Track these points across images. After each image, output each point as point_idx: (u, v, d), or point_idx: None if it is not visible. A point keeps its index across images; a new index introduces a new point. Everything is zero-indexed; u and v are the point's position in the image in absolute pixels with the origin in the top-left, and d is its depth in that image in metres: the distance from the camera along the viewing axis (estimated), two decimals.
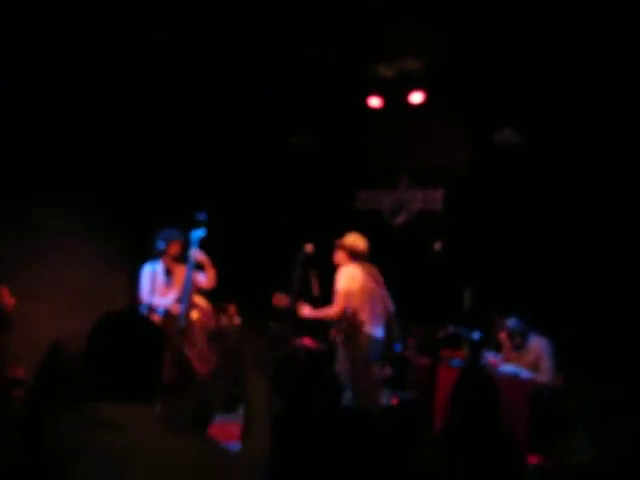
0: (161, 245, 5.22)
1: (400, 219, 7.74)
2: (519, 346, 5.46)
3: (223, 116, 7.09)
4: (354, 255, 5.20)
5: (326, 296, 5.39)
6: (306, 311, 5.25)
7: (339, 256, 5.26)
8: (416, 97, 6.88)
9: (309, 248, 5.39)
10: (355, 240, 5.25)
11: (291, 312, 5.39)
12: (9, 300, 4.51)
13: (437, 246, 5.84)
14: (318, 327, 6.58)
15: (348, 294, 5.00)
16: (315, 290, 5.43)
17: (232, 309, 6.72)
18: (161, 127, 6.66)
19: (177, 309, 5.12)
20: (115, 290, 5.60)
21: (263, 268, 7.02)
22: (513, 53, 5.96)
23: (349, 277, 5.08)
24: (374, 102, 7.07)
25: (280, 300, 5.31)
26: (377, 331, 5.13)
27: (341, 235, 5.32)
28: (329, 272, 5.47)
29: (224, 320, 6.45)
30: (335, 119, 7.51)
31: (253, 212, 7.58)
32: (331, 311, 5.06)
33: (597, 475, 4.28)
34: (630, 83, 5.88)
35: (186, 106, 6.76)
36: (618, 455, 4.24)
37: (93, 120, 6.11)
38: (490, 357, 5.48)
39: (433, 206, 7.52)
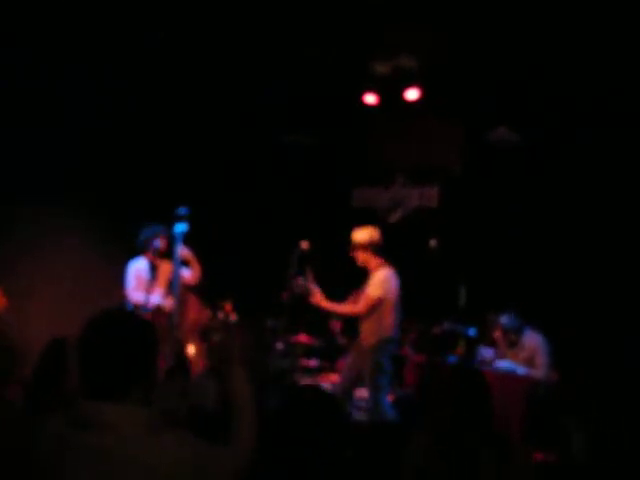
0: (145, 241, 5.25)
1: (396, 216, 7.76)
2: (514, 343, 5.48)
3: (221, 114, 7.12)
4: (377, 249, 5.08)
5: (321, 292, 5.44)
6: (322, 301, 5.07)
7: (363, 256, 5.09)
8: (412, 94, 6.88)
9: (305, 245, 5.38)
10: (371, 234, 5.09)
11: (289, 306, 5.40)
12: (1, 300, 4.50)
13: (432, 243, 5.86)
14: (315, 324, 6.64)
15: (381, 301, 4.94)
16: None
17: (228, 306, 6.77)
18: (161, 126, 6.68)
19: (169, 305, 5.11)
20: (113, 289, 5.60)
21: (259, 265, 7.06)
22: (509, 51, 5.97)
23: (386, 285, 4.97)
24: (370, 99, 7.08)
25: (298, 287, 5.17)
26: (396, 333, 5.09)
27: (339, 232, 5.29)
28: (324, 269, 5.52)
29: (220, 317, 6.50)
30: (331, 117, 7.51)
31: (250, 210, 7.61)
32: (355, 309, 5.03)
33: (593, 472, 4.32)
34: (629, 83, 5.91)
35: (185, 105, 6.79)
36: (614, 453, 4.28)
37: (93, 120, 6.14)
38: (485, 353, 5.49)
39: (429, 203, 7.53)
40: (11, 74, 5.41)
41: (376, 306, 4.91)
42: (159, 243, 5.24)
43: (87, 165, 6.12)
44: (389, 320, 4.96)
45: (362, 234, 5.09)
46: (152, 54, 6.10)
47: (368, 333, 4.99)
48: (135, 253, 5.36)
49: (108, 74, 6.06)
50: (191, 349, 5.16)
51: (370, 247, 5.06)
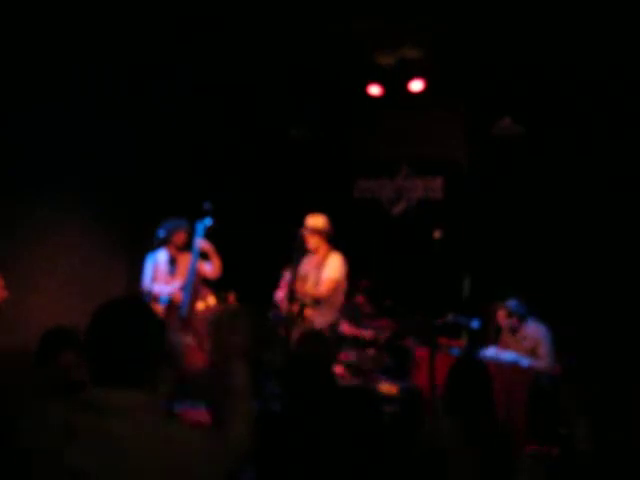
0: (164, 234, 5.26)
1: (399, 208, 7.74)
2: (516, 328, 5.45)
3: (223, 110, 7.11)
4: (329, 236, 5.35)
5: None
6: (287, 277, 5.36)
7: (316, 241, 5.33)
8: (416, 85, 6.89)
9: None
10: (325, 221, 5.37)
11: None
12: (1, 292, 4.52)
13: (436, 234, 5.82)
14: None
15: (338, 285, 5.22)
16: None
17: (231, 298, 6.74)
18: (160, 125, 6.66)
19: (179, 297, 5.16)
20: (113, 281, 5.61)
21: (262, 255, 7.05)
22: (514, 43, 5.95)
23: (343, 268, 5.26)
24: (374, 90, 7.09)
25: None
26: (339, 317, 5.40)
27: (342, 223, 5.39)
28: None
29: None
30: (335, 108, 7.52)
31: (252, 200, 7.60)
32: (317, 292, 5.20)
33: (595, 464, 4.28)
34: (631, 76, 5.86)
35: (185, 102, 6.78)
36: (616, 445, 4.24)
37: (93, 119, 6.13)
38: (488, 353, 5.43)
39: (433, 194, 7.50)
40: (11, 74, 5.40)
41: (335, 289, 5.18)
42: (163, 234, 5.26)
43: (87, 164, 6.10)
44: (339, 304, 5.27)
45: (318, 220, 5.35)
46: (152, 52, 6.10)
47: (320, 316, 5.18)
48: (155, 246, 5.38)
49: (109, 73, 6.07)
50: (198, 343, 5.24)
51: (324, 233, 5.32)
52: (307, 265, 5.40)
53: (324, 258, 5.31)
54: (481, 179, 7.07)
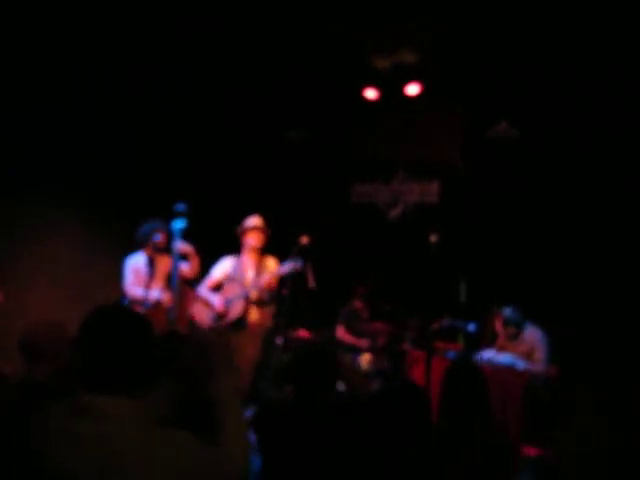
0: (143, 236, 5.26)
1: (396, 212, 7.75)
2: (513, 336, 5.48)
3: (220, 110, 7.11)
4: None
5: (321, 288, 5.47)
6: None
7: (263, 239, 5.51)
8: (412, 89, 6.91)
9: (304, 240, 5.43)
10: None
11: (289, 301, 5.50)
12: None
13: (433, 238, 5.85)
14: (315, 319, 6.65)
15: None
16: (310, 282, 5.44)
17: None
18: (159, 123, 6.65)
19: (168, 300, 5.12)
20: (112, 281, 5.58)
21: None
22: (513, 44, 5.97)
23: None
24: (370, 94, 7.11)
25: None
26: None
27: (339, 227, 5.40)
28: (325, 264, 5.51)
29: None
30: (331, 112, 7.52)
31: (249, 204, 7.58)
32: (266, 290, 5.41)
33: (590, 468, 4.31)
34: (628, 76, 5.89)
35: (183, 101, 6.77)
36: (611, 448, 4.27)
37: (93, 117, 6.12)
38: (485, 354, 5.47)
39: (429, 199, 7.50)
40: (11, 74, 5.38)
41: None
42: (158, 238, 5.24)
43: (87, 164, 6.09)
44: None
45: (261, 219, 5.56)
46: (152, 52, 6.09)
47: (267, 317, 5.44)
48: (133, 248, 5.36)
49: (109, 73, 6.05)
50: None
51: (267, 232, 5.55)
52: (241, 266, 5.49)
53: (260, 259, 5.49)
54: (477, 183, 7.09)
